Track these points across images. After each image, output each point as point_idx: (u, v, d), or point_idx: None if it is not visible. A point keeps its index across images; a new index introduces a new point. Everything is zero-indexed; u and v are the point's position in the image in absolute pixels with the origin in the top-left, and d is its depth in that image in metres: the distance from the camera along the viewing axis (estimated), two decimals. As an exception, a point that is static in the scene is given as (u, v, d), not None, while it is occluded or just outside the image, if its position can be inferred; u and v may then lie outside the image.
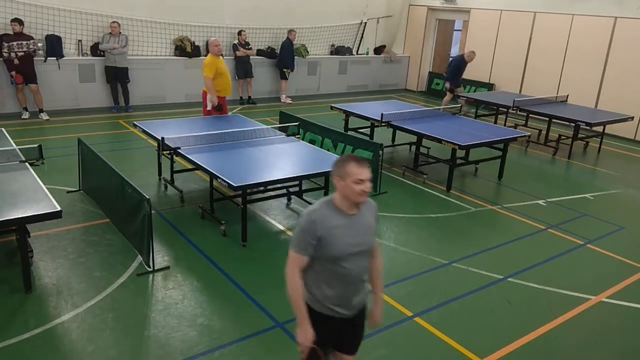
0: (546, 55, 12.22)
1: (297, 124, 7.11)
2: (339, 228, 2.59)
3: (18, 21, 9.41)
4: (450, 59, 15.40)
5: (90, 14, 10.62)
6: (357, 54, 14.70)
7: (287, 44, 12.55)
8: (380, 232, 5.88)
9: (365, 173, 2.58)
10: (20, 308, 4.14)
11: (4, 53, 9.37)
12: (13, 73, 9.44)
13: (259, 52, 12.82)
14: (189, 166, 6.35)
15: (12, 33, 9.40)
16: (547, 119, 9.73)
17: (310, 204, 6.23)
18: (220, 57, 7.81)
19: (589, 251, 5.74)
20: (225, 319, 4.15)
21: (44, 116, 9.90)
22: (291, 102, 12.84)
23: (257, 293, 4.51)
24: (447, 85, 11.44)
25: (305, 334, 2.62)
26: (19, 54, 9.37)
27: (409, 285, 4.81)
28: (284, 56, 12.58)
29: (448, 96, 11.75)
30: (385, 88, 15.34)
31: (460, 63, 11.39)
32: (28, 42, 9.49)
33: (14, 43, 9.35)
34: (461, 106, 9.30)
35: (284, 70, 12.68)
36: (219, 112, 7.80)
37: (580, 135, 9.38)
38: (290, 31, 12.54)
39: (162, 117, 9.30)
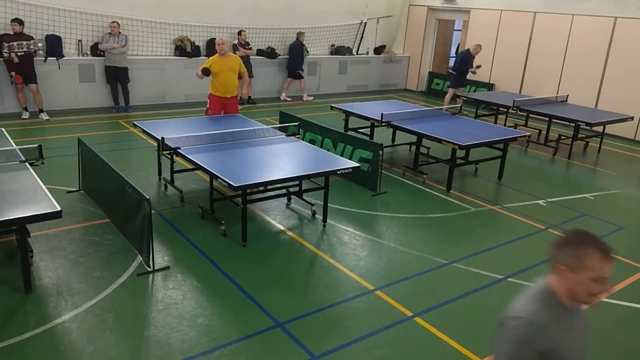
0: (546, 55, 12.22)
1: (297, 124, 7.11)
2: (566, 333, 1.95)
3: (18, 21, 9.40)
4: (454, 56, 15.48)
5: (90, 14, 10.62)
6: (357, 54, 14.70)
7: (298, 46, 12.76)
8: (380, 232, 5.89)
9: (610, 268, 1.85)
10: (20, 308, 4.13)
11: (4, 53, 9.37)
12: (13, 73, 9.44)
13: (259, 52, 12.82)
14: (189, 166, 6.35)
15: (12, 33, 9.40)
16: (547, 119, 9.73)
17: (310, 204, 6.26)
18: (227, 56, 7.73)
19: (589, 251, 5.73)
20: (225, 319, 4.15)
21: (44, 116, 9.90)
22: (313, 98, 13.11)
23: (257, 293, 4.51)
24: (473, 69, 11.55)
25: None
26: (19, 54, 9.37)
27: (409, 285, 4.81)
28: (295, 57, 12.78)
29: (450, 93, 11.82)
30: (385, 88, 15.34)
31: (467, 57, 11.48)
32: (28, 42, 9.49)
33: (14, 43, 9.35)
34: (461, 106, 9.30)
35: (298, 71, 12.91)
36: (213, 112, 7.84)
37: (580, 135, 9.37)
38: (300, 33, 12.75)
39: (162, 117, 9.30)
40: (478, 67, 11.64)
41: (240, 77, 8.05)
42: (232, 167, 5.42)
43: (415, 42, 15.40)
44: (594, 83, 11.39)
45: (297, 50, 12.79)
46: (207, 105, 7.94)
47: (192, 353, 3.73)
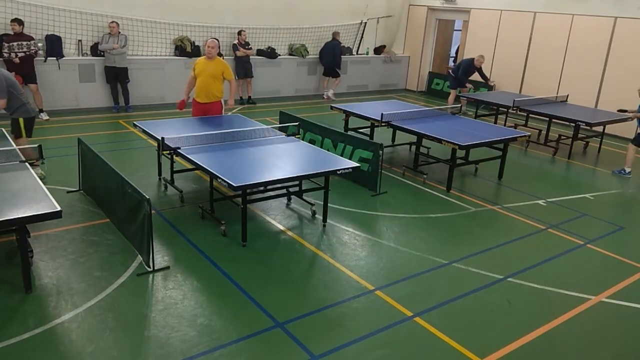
0: (546, 55, 12.22)
1: (297, 124, 7.10)
2: None
3: (18, 21, 9.40)
4: (453, 56, 15.58)
5: (90, 14, 10.62)
6: (357, 54, 14.70)
7: (336, 45, 13.23)
8: (380, 232, 5.89)
9: None
10: (20, 308, 4.14)
11: (4, 53, 9.37)
12: (13, 74, 9.43)
13: (259, 52, 12.83)
14: (189, 166, 6.35)
15: (12, 33, 9.40)
16: (547, 119, 9.73)
17: (310, 204, 6.26)
18: (213, 59, 7.29)
19: (589, 251, 5.74)
20: (225, 319, 4.15)
21: (44, 116, 9.90)
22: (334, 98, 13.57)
23: (257, 293, 4.51)
24: (469, 85, 11.90)
25: None
26: (19, 54, 9.38)
27: (409, 285, 4.81)
28: (337, 56, 13.26)
29: (452, 95, 11.89)
30: (385, 88, 15.34)
31: (470, 68, 11.67)
32: (29, 43, 9.50)
33: (14, 43, 9.35)
34: (461, 106, 9.31)
35: (338, 69, 13.40)
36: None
37: (580, 135, 9.37)
38: (336, 33, 13.35)
39: (162, 117, 9.30)
40: (464, 85, 11.91)
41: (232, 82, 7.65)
42: (232, 167, 5.42)
43: (415, 42, 15.40)
44: (594, 83, 11.39)
45: (335, 49, 13.15)
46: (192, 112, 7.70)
47: (192, 353, 3.73)
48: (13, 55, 9.32)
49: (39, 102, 9.87)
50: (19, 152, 5.29)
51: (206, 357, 3.69)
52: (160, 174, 7.10)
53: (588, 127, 9.00)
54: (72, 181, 6.64)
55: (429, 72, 15.35)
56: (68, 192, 6.45)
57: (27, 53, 9.46)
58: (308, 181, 6.38)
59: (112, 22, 10.41)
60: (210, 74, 7.30)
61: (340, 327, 4.12)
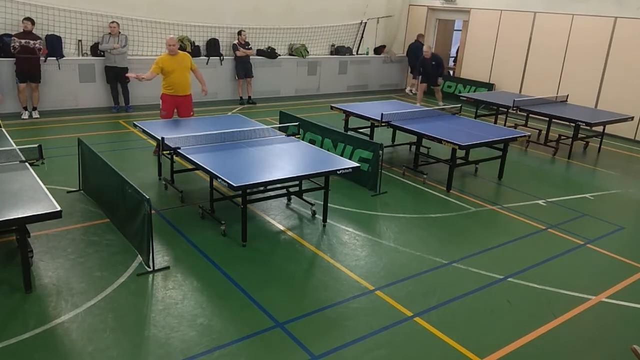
0: (546, 55, 12.22)
1: (297, 124, 7.11)
2: None
3: (30, 20, 9.58)
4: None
5: (90, 14, 10.62)
6: (357, 54, 14.71)
7: (420, 46, 13.99)
8: (380, 232, 5.89)
9: None
10: (20, 308, 4.14)
11: (13, 47, 9.46)
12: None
13: (259, 52, 12.83)
14: (189, 166, 6.35)
15: (22, 31, 9.54)
16: (547, 119, 9.74)
17: (310, 204, 6.26)
18: (177, 54, 7.56)
19: (589, 251, 5.74)
20: (225, 319, 4.15)
21: (35, 114, 9.92)
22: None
23: (257, 293, 4.51)
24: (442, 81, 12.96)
25: None
26: (23, 43, 9.47)
27: (409, 285, 4.81)
28: (420, 56, 13.95)
29: (421, 88, 13.06)
30: (385, 88, 15.34)
31: (423, 61, 12.67)
32: (34, 42, 9.59)
33: (22, 41, 9.48)
34: (461, 106, 9.28)
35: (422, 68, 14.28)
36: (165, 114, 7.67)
37: (580, 135, 9.38)
38: (420, 35, 14.44)
39: (162, 117, 9.28)
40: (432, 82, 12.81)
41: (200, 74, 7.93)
42: (232, 167, 5.42)
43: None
44: (594, 83, 11.39)
45: (418, 50, 13.86)
46: (161, 107, 7.74)
47: (192, 353, 3.73)
48: (17, 45, 9.39)
49: (35, 100, 9.91)
50: (19, 152, 5.30)
51: (206, 357, 3.69)
52: (160, 174, 7.10)
53: (588, 127, 9.01)
54: (72, 181, 6.64)
55: (429, 72, 15.35)
56: (68, 192, 6.45)
57: (32, 47, 9.53)
58: (308, 181, 6.38)
59: (113, 22, 10.41)
60: (185, 67, 7.66)
61: (340, 327, 4.12)
